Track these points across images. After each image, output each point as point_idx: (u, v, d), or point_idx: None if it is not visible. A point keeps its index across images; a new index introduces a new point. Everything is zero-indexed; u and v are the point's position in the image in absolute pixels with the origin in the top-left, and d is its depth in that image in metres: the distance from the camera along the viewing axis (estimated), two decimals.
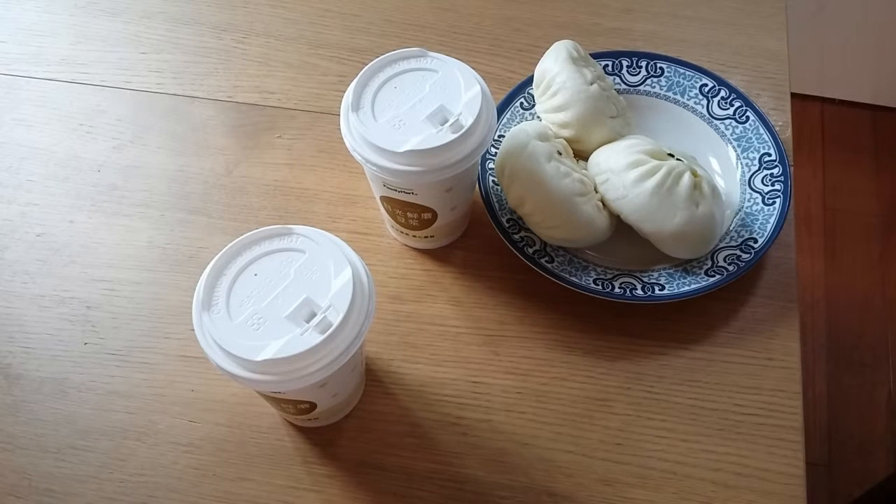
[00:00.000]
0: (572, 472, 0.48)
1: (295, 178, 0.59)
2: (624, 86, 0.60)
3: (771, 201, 0.55)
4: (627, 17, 0.67)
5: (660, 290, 0.52)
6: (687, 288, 0.51)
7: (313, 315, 0.39)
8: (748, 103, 0.58)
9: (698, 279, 0.52)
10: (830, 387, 1.24)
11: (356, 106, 0.47)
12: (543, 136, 0.52)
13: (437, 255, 0.56)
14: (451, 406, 0.50)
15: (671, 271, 0.53)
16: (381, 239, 0.57)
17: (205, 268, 0.52)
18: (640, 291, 0.51)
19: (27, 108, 0.63)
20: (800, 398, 0.50)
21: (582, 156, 0.55)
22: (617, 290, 0.51)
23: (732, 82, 0.60)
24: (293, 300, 0.39)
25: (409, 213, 0.51)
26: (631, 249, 0.54)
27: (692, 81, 0.60)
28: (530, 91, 0.59)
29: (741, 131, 0.58)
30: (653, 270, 0.53)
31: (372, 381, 0.51)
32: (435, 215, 0.51)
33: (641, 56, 0.61)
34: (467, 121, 0.45)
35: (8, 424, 0.50)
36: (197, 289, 0.40)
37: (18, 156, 0.61)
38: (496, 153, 0.55)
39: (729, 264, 0.52)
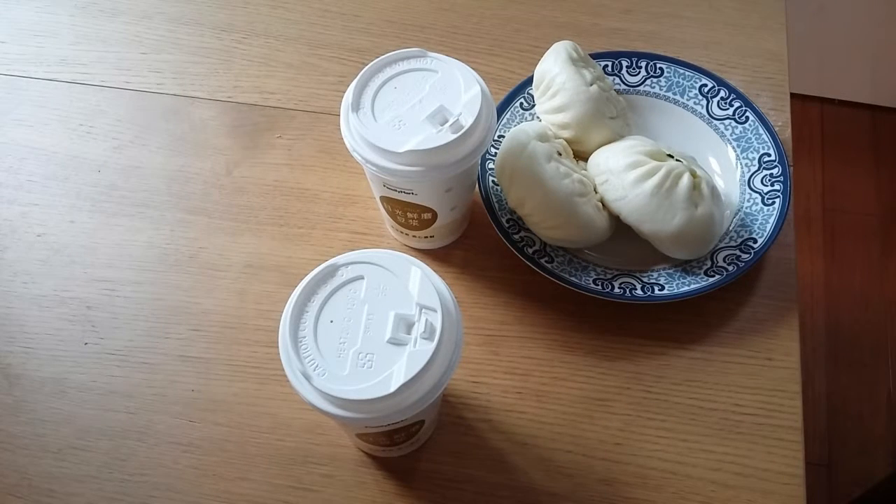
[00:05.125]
0: (572, 472, 0.48)
1: (295, 178, 0.59)
2: (623, 86, 0.60)
3: (770, 201, 0.55)
4: (627, 17, 0.67)
5: (659, 290, 0.52)
6: (687, 288, 0.51)
7: (446, 120, 0.45)
8: (748, 103, 0.58)
9: (698, 279, 0.52)
10: (830, 387, 1.24)
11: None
12: (543, 137, 0.52)
13: (437, 255, 0.56)
14: (451, 406, 0.50)
15: (671, 271, 0.53)
16: (381, 239, 0.57)
17: (205, 268, 0.53)
18: (639, 291, 0.51)
19: (27, 108, 0.63)
20: (799, 398, 0.50)
21: (582, 156, 0.55)
22: (617, 290, 0.51)
23: (732, 82, 0.60)
24: (429, 107, 0.46)
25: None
26: (631, 249, 0.54)
27: (692, 82, 0.60)
28: (530, 91, 0.59)
29: (741, 131, 0.58)
30: (652, 270, 0.53)
31: None
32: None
33: (641, 56, 0.61)
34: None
35: (8, 424, 0.50)
36: (345, 96, 0.47)
37: (19, 156, 0.61)
38: (496, 153, 0.55)
39: (728, 264, 0.52)
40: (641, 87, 0.60)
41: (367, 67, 0.48)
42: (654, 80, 0.60)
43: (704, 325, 0.53)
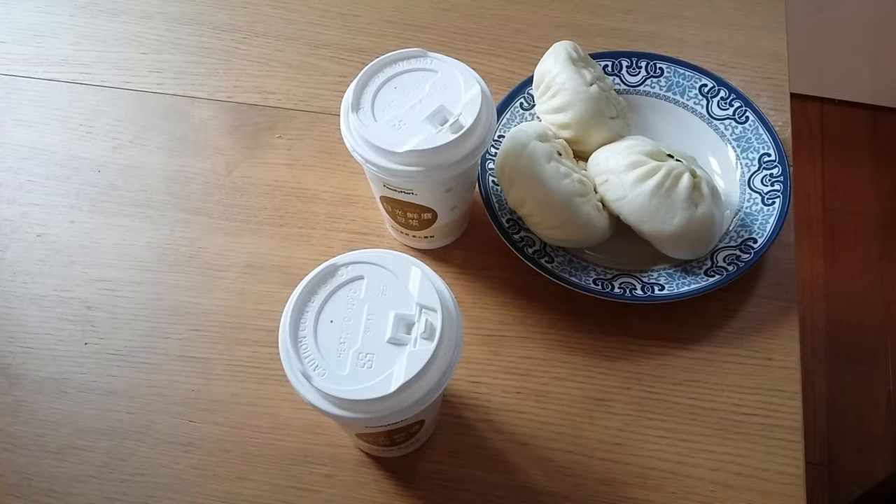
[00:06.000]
0: (572, 472, 0.48)
1: (295, 178, 0.59)
2: (623, 86, 0.60)
3: (770, 201, 0.55)
4: (627, 17, 0.67)
5: (659, 290, 0.52)
6: (687, 288, 0.52)
7: (446, 120, 0.45)
8: (748, 103, 0.58)
9: (698, 279, 0.52)
10: (830, 387, 1.24)
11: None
12: (543, 137, 0.52)
13: (437, 255, 0.56)
14: (451, 406, 0.50)
15: (671, 271, 0.53)
16: (381, 239, 0.57)
17: (205, 268, 0.53)
18: (639, 291, 0.51)
19: (27, 108, 0.63)
20: (799, 398, 0.50)
21: (582, 156, 0.55)
22: (617, 290, 0.51)
23: (732, 82, 0.60)
24: (429, 108, 0.46)
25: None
26: (631, 249, 0.54)
27: (692, 82, 0.60)
28: (530, 91, 0.59)
29: (741, 131, 0.58)
30: (652, 270, 0.53)
31: None
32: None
33: (641, 56, 0.61)
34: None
35: (8, 424, 0.50)
36: (345, 96, 0.47)
37: (19, 156, 0.61)
38: (496, 153, 0.55)
39: (728, 264, 0.52)
40: (641, 87, 0.60)
41: (367, 67, 0.48)
42: (654, 80, 0.60)
43: (704, 325, 0.53)
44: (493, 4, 0.68)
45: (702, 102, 0.59)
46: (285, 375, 0.38)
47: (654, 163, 0.51)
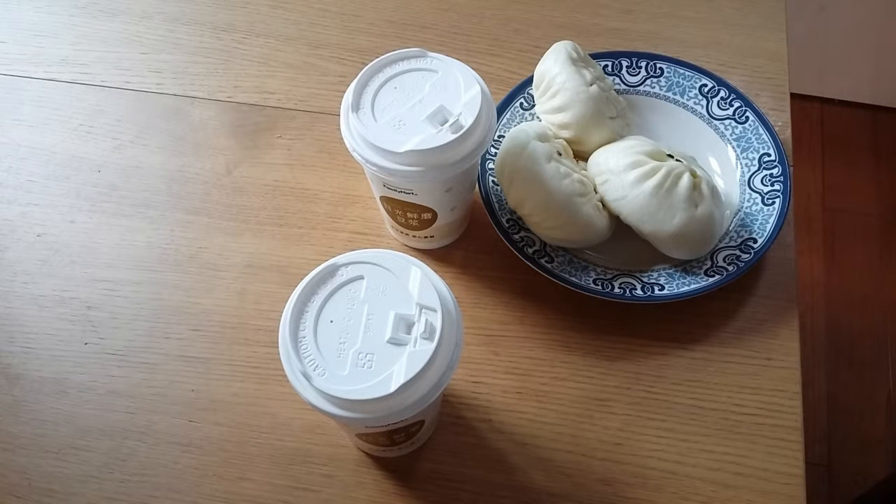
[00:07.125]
0: (572, 472, 0.48)
1: (295, 178, 0.59)
2: (623, 86, 0.60)
3: (770, 201, 0.55)
4: (627, 17, 0.67)
5: (659, 290, 0.52)
6: (687, 288, 0.52)
7: (446, 120, 0.45)
8: (748, 103, 0.58)
9: (698, 279, 0.52)
10: (830, 387, 1.24)
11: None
12: (543, 137, 0.52)
13: (437, 255, 0.56)
14: (451, 406, 0.50)
15: (671, 271, 0.53)
16: (381, 239, 0.57)
17: (205, 268, 0.52)
18: (639, 291, 0.51)
19: (27, 108, 0.63)
20: (799, 398, 0.50)
21: (582, 156, 0.55)
22: (617, 290, 0.51)
23: (732, 82, 0.60)
24: (429, 107, 0.46)
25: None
26: (631, 249, 0.54)
27: (692, 82, 0.60)
28: (530, 91, 0.59)
29: (741, 131, 0.58)
30: (652, 270, 0.53)
31: None
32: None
33: (641, 56, 0.61)
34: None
35: (8, 424, 0.50)
36: (345, 96, 0.47)
37: (19, 156, 0.61)
38: (496, 153, 0.55)
39: (728, 264, 0.52)
40: (641, 87, 0.60)
41: (367, 67, 0.48)
42: (654, 80, 0.60)
43: (704, 325, 0.53)
44: (493, 4, 0.68)
45: (702, 102, 0.59)
46: (285, 375, 0.38)
47: (654, 163, 0.51)
